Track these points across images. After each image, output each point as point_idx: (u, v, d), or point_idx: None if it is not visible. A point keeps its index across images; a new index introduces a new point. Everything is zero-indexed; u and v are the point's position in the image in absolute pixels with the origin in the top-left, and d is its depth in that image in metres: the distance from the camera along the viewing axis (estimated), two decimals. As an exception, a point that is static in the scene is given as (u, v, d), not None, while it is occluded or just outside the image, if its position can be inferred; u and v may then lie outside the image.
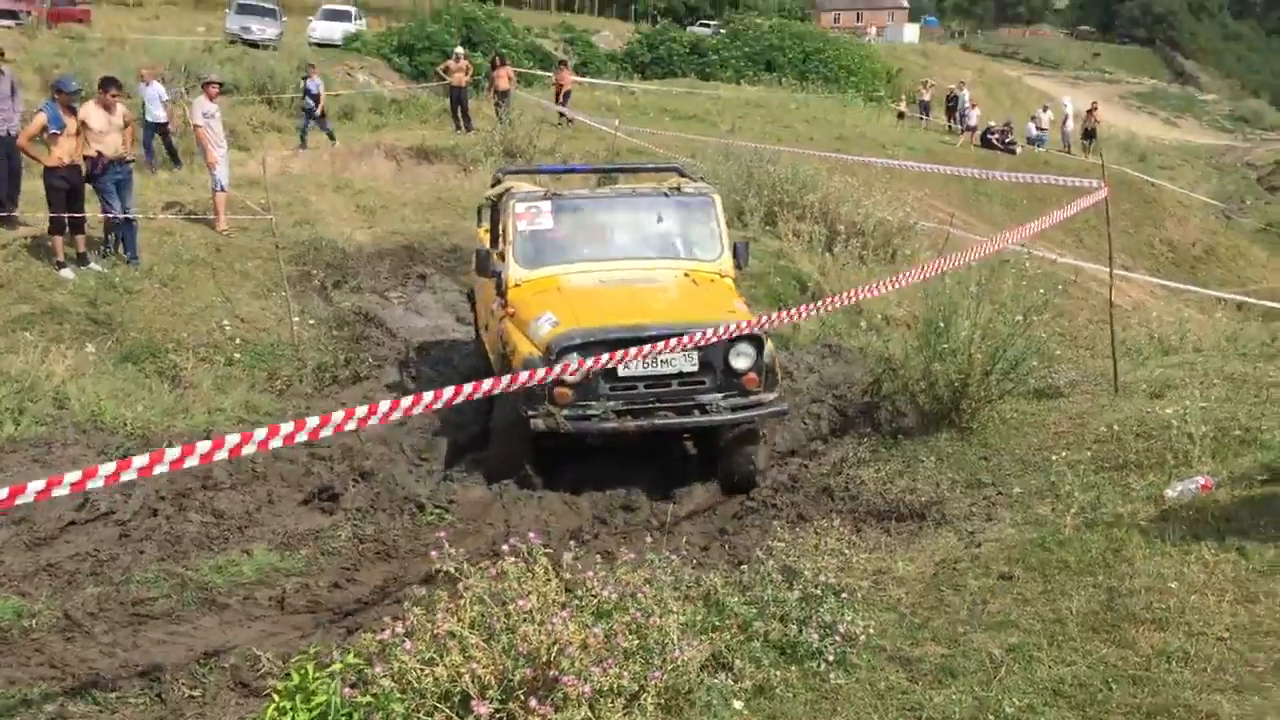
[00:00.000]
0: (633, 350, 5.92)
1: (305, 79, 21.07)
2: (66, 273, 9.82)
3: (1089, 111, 33.95)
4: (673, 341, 5.97)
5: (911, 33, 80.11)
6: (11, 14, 27.94)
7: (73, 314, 8.95)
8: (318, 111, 20.53)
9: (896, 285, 7.30)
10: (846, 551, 5.32)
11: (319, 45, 31.95)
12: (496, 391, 5.24)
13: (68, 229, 10.02)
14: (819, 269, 13.12)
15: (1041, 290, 7.95)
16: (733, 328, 6.39)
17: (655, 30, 46.05)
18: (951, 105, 35.15)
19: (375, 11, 42.10)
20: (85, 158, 10.08)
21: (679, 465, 7.79)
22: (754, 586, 4.72)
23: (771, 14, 59.75)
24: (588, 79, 35.78)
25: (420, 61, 31.18)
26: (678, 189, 8.34)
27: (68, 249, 10.08)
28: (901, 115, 37.31)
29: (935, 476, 6.77)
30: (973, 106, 34.56)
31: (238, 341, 9.10)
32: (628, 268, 7.88)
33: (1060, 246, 20.00)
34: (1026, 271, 8.27)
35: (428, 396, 4.82)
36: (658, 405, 7.06)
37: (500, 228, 8.13)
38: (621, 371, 6.80)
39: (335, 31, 33.21)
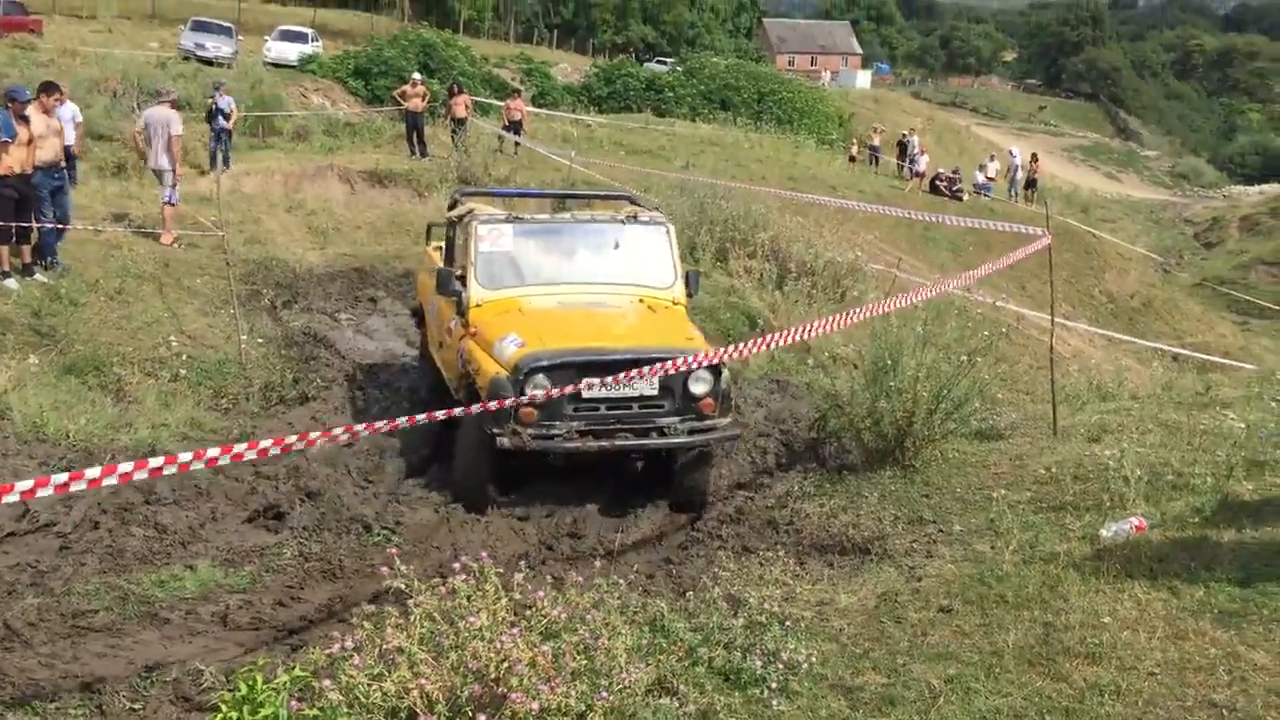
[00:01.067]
0: (608, 371, 6.43)
1: (214, 97, 19.46)
2: (10, 283, 9.69)
3: (1031, 162, 34.74)
4: (649, 369, 6.29)
5: (864, 79, 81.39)
6: (-39, 21, 27.57)
7: (16, 325, 8.81)
8: (228, 134, 19.38)
9: (846, 323, 7.44)
10: (790, 582, 5.40)
11: (274, 65, 31.77)
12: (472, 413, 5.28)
13: (14, 238, 9.91)
14: (769, 306, 13.28)
15: (986, 333, 8.13)
16: (700, 357, 6.70)
17: (612, 65, 46.49)
18: (901, 150, 35.80)
19: (333, 35, 42.03)
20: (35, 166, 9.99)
21: (626, 490, 7.85)
22: (700, 613, 4.79)
23: (728, 55, 60.55)
24: (544, 110, 35.95)
25: (376, 86, 31.18)
26: (634, 217, 8.59)
27: (13, 259, 9.96)
28: (853, 159, 37.93)
29: (878, 512, 6.87)
30: (922, 153, 35.23)
31: (184, 358, 9.01)
32: (585, 291, 8.09)
33: (1004, 293, 20.41)
34: (971, 315, 8.47)
35: (401, 419, 4.87)
36: (618, 426, 7.24)
37: (460, 248, 8.32)
38: (585, 393, 6.79)
39: (291, 53, 33.06)
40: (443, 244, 9.39)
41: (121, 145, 19.17)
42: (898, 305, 7.93)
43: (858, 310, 7.66)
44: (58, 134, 10.59)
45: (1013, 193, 35.15)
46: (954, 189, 32.72)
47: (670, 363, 6.32)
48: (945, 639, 4.77)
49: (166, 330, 9.61)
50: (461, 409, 5.20)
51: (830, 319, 7.38)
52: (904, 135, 37.56)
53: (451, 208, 9.25)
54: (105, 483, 4.17)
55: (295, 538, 6.16)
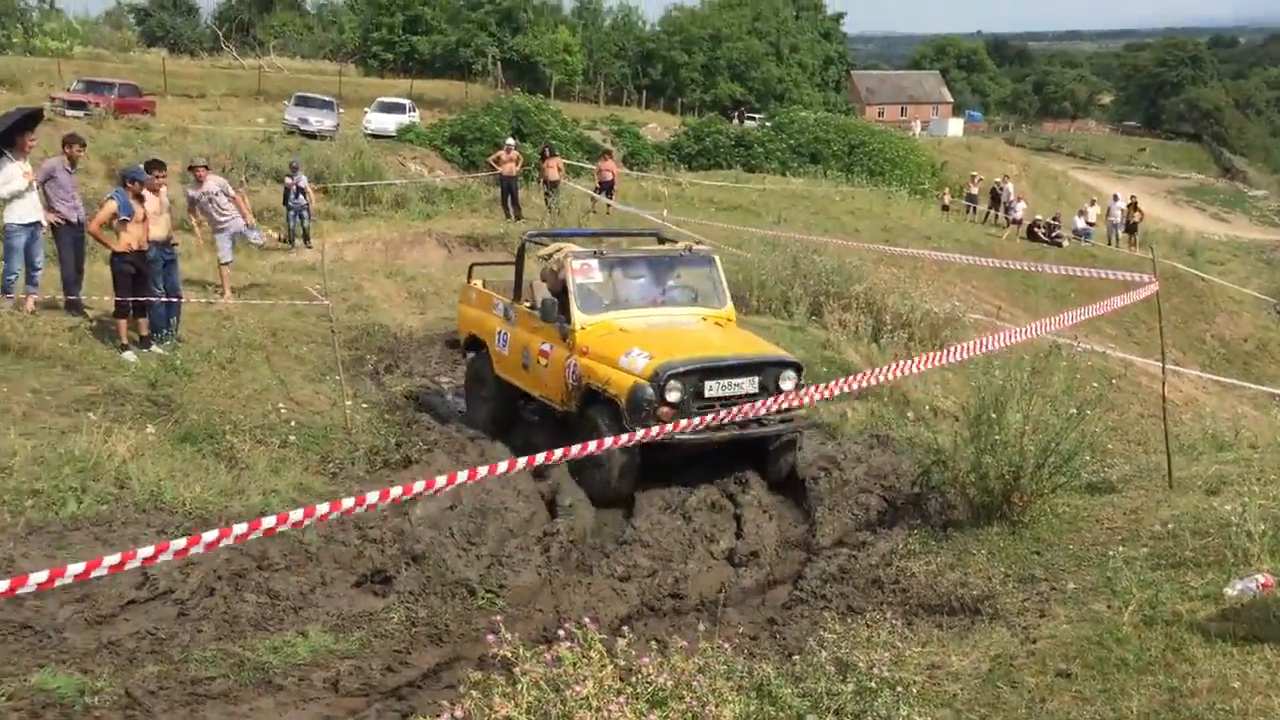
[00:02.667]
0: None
1: (291, 177, 19.66)
2: (129, 355, 10.04)
3: (1130, 206, 33.98)
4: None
5: (956, 127, 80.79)
6: (81, 105, 28.94)
7: (134, 395, 9.13)
8: (309, 210, 19.60)
9: (939, 361, 7.39)
10: (899, 645, 5.26)
11: (374, 136, 32.76)
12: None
13: (131, 313, 10.31)
14: (865, 359, 13.13)
15: (1094, 384, 7.92)
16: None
17: (701, 123, 46.83)
18: (996, 198, 35.30)
19: (429, 104, 43.13)
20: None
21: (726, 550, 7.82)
22: (807, 678, 4.68)
23: (816, 108, 60.65)
24: (635, 170, 36.37)
25: (472, 152, 31.89)
26: (690, 249, 10.27)
27: (130, 332, 10.34)
28: (945, 208, 37.52)
29: (987, 570, 6.70)
30: (1018, 199, 34.71)
31: (292, 424, 9.22)
32: (658, 314, 9.65)
33: (1110, 340, 19.91)
34: (1078, 364, 8.25)
35: (539, 456, 4.95)
36: (730, 420, 7.94)
37: (552, 281, 9.71)
38: (707, 392, 8.67)
39: (390, 123, 34.05)
40: (483, 279, 11.22)
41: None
42: (995, 345, 7.76)
43: (954, 349, 7.54)
44: (167, 211, 11.03)
45: (1113, 237, 34.38)
46: (1053, 235, 32.15)
47: (826, 386, 7.21)
48: (1065, 706, 4.60)
49: (275, 398, 9.85)
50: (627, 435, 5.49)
51: (924, 357, 7.31)
52: (997, 182, 37.08)
53: (519, 251, 10.60)
54: (222, 545, 4.26)
55: (402, 602, 6.22)
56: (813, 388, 7.34)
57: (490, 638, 4.05)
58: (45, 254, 11.19)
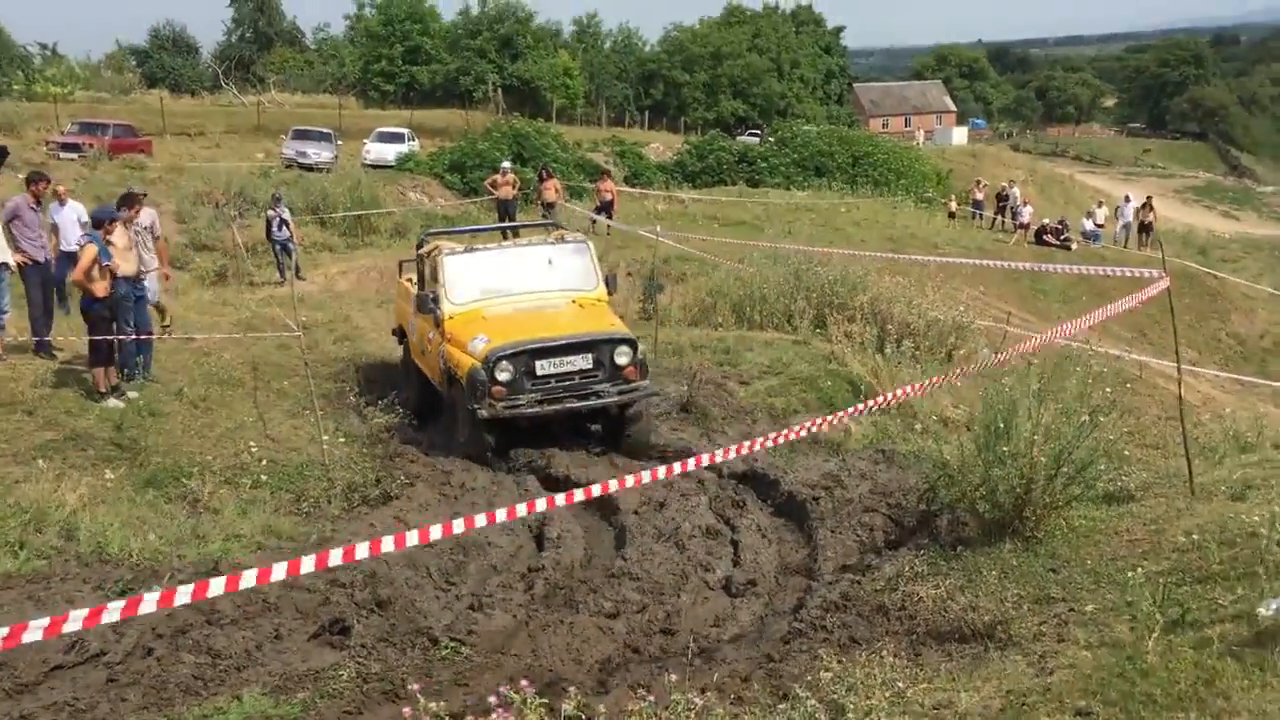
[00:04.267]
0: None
1: (273, 210, 19.26)
2: (112, 402, 9.59)
3: (1144, 206, 33.45)
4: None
5: (960, 135, 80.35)
6: (75, 147, 28.76)
7: (96, 439, 8.69)
8: (293, 243, 19.26)
9: (969, 374, 6.91)
10: (901, 683, 4.79)
11: (373, 166, 32.56)
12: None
13: (115, 357, 9.84)
14: (871, 371, 12.65)
15: (1108, 389, 7.44)
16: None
17: (704, 140, 46.51)
18: (1002, 203, 34.80)
19: (430, 133, 42.95)
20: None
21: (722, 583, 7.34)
22: (796, 726, 4.23)
23: (819, 122, 60.31)
24: (637, 189, 36.05)
25: (472, 178, 31.65)
26: (561, 238, 11.29)
27: (106, 379, 9.86)
28: (952, 215, 37.05)
29: (1000, 592, 6.22)
30: (1024, 204, 34.23)
31: (264, 463, 8.78)
32: (530, 298, 10.48)
33: (1124, 343, 19.38)
34: (1091, 369, 7.77)
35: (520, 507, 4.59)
36: (566, 394, 9.65)
37: (431, 276, 10.73)
38: (539, 371, 9.53)
39: (389, 153, 33.89)
40: (414, 275, 11.78)
41: (222, 254, 19.55)
42: (1027, 349, 7.32)
43: (980, 359, 7.10)
44: (133, 249, 10.50)
45: (1125, 238, 33.81)
46: (1062, 238, 31.64)
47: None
48: (1085, 749, 4.11)
49: (250, 435, 9.44)
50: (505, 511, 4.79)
51: (953, 371, 6.87)
52: (1003, 187, 36.60)
53: (419, 246, 11.70)
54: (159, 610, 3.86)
55: (355, 657, 5.71)
56: (850, 408, 7.32)
57: (406, 710, 3.58)
58: (9, 296, 10.77)
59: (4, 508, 6.90)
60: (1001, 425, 7.19)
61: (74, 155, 28.13)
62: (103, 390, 9.70)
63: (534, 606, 6.56)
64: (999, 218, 34.66)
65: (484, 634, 6.07)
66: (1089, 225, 34.16)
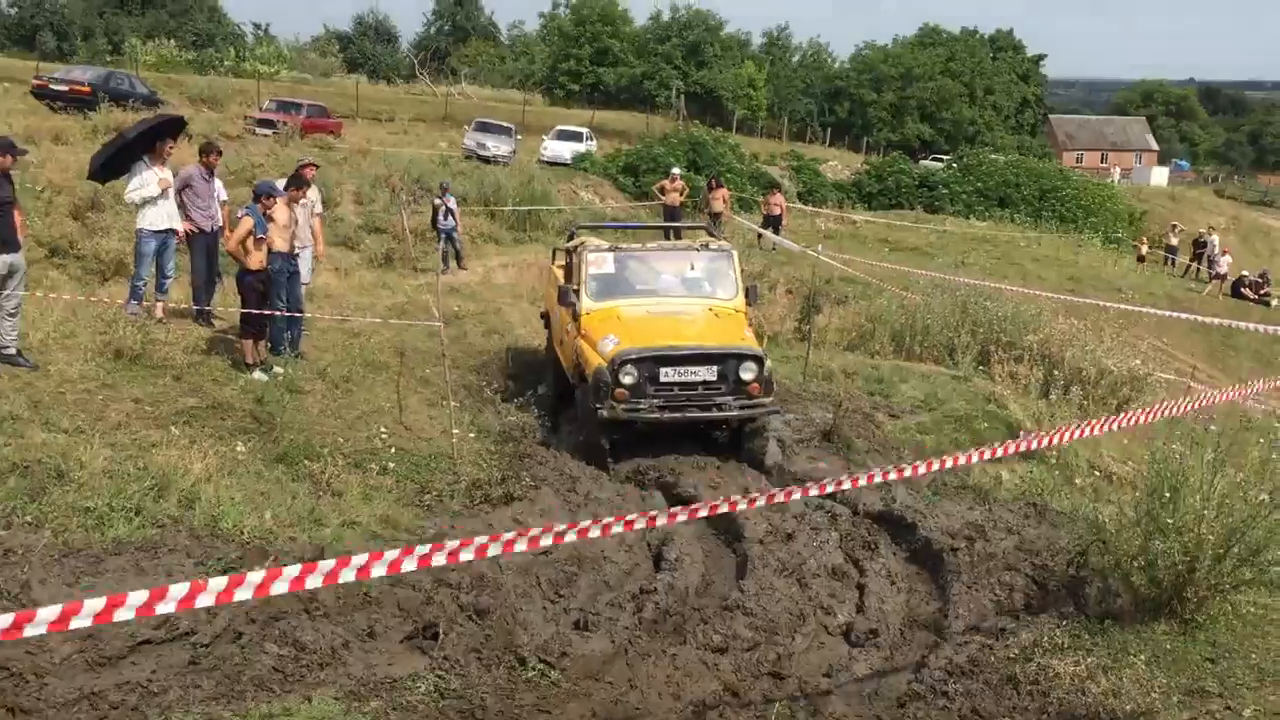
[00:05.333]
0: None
1: (440, 199, 19.52)
2: (259, 374, 9.75)
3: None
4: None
5: (1160, 176, 76.35)
6: (270, 123, 29.92)
7: (236, 410, 8.74)
8: (458, 232, 19.48)
9: (1115, 427, 6.27)
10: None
11: (549, 163, 32.88)
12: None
13: (265, 330, 10.03)
14: (1032, 416, 11.91)
15: (1293, 462, 6.67)
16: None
17: (885, 161, 45.49)
18: (1199, 251, 32.81)
19: (610, 135, 43.27)
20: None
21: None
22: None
23: (1009, 151, 58.28)
24: (810, 206, 35.44)
25: (644, 182, 31.64)
26: (705, 245, 11.23)
27: (256, 351, 10.01)
28: (1141, 259, 35.16)
29: (1147, 679, 5.62)
30: (1224, 253, 32.21)
31: (393, 450, 8.71)
32: (668, 303, 10.52)
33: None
34: (1277, 438, 6.99)
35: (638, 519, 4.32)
36: (687, 404, 9.63)
37: (574, 270, 10.80)
38: (662, 378, 9.55)
39: (566, 151, 34.20)
40: (564, 264, 11.72)
41: (391, 238, 19.91)
42: (1182, 410, 6.63)
43: (1133, 413, 6.47)
44: (291, 226, 10.54)
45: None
46: (1261, 293, 29.64)
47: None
48: None
49: (385, 420, 9.41)
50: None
51: (1100, 420, 6.26)
52: (1201, 234, 34.52)
53: (569, 239, 11.89)
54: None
55: (436, 668, 5.45)
56: (997, 444, 6.64)
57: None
58: (175, 263, 11.09)
59: (133, 470, 6.94)
60: (1168, 494, 6.53)
61: (269, 131, 29.22)
62: (250, 362, 9.85)
63: (638, 632, 6.23)
64: (1194, 265, 32.71)
65: (577, 657, 5.76)
66: (1293, 281, 31.94)
